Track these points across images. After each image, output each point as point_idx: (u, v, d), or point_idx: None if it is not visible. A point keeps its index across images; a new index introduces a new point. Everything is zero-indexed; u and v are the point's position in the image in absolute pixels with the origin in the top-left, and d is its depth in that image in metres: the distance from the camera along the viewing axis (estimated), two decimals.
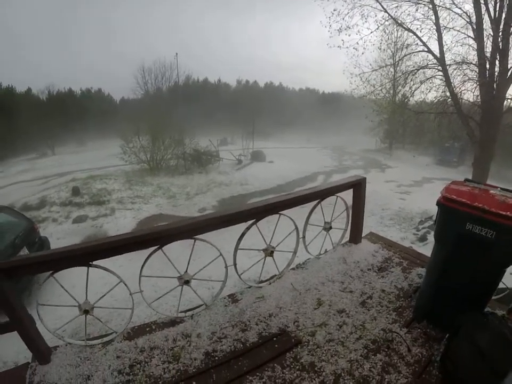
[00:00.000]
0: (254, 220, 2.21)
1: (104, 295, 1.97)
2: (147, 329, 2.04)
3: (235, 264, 2.29)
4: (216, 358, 1.83)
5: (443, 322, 2.04)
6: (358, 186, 2.91)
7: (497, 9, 8.59)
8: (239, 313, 2.15)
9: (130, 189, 12.08)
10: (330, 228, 2.87)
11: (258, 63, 70.72)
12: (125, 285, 1.93)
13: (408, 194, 13.24)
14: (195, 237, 2.04)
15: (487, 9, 8.73)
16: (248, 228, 2.24)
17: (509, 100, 9.51)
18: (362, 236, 3.21)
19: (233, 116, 32.49)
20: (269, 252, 2.41)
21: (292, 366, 1.77)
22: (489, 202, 1.77)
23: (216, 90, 42.62)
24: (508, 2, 8.34)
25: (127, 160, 15.48)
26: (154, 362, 1.79)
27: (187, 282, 2.11)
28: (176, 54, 29.14)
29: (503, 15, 8.54)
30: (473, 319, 1.72)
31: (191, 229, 2.00)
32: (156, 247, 1.93)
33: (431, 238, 7.89)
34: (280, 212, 2.32)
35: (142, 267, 1.97)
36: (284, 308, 2.21)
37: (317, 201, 2.61)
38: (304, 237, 2.64)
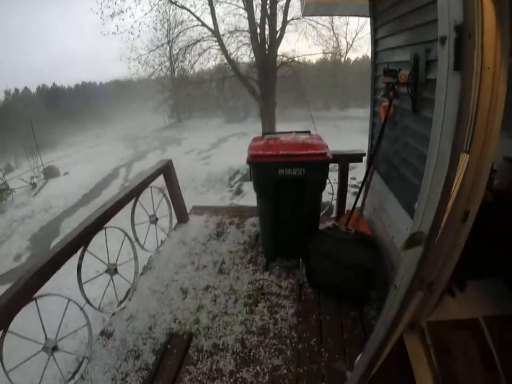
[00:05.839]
0: (83, 247, 2.00)
1: None
2: None
3: (87, 300, 2.03)
4: None
5: (292, 252, 2.56)
6: (167, 170, 3.05)
7: None
8: (120, 344, 1.95)
9: None
10: (157, 219, 2.89)
11: (24, 65, 53.71)
12: None
13: (210, 158, 14.63)
14: None
15: None
16: (81, 258, 2.01)
17: (280, 57, 11.79)
18: (188, 212, 3.40)
19: (8, 135, 25.40)
20: (113, 270, 2.24)
21: (200, 358, 1.82)
22: (292, 146, 2.23)
23: None
24: None
25: None
26: None
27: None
28: None
29: None
30: (315, 237, 2.26)
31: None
32: None
33: (245, 188, 9.35)
34: (105, 226, 2.18)
35: None
36: (157, 314, 2.16)
37: (134, 199, 2.59)
38: (137, 239, 2.64)
